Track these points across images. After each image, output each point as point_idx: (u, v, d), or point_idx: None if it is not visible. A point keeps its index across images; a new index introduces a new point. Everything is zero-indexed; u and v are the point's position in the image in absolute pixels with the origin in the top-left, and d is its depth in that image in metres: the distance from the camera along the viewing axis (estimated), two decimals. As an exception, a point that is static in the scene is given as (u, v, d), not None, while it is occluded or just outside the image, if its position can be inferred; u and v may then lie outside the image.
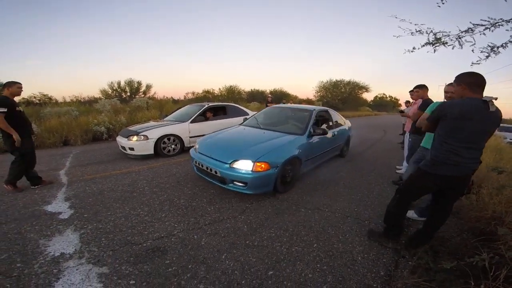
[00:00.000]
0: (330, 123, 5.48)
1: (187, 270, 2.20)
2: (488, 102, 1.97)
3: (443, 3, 3.50)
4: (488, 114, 2.00)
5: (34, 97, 14.61)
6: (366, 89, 41.54)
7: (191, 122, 6.34)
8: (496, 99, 2.00)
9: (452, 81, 2.67)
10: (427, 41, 3.68)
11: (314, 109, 5.02)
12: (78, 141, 7.26)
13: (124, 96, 20.40)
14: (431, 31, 3.64)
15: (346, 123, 6.46)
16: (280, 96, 27.72)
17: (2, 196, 3.54)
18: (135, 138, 5.52)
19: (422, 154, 3.44)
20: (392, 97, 58.74)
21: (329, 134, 4.83)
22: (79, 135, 7.26)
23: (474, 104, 2.00)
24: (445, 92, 3.13)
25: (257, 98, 26.60)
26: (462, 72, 2.17)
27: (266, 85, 60.66)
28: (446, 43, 3.63)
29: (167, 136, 5.88)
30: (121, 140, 5.74)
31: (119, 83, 20.61)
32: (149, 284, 2.02)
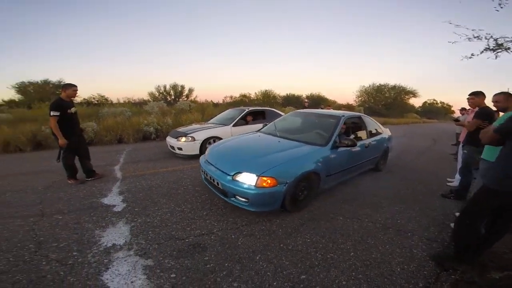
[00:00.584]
0: (364, 132, 4.71)
1: (224, 268, 2.20)
2: None
3: (501, 7, 3.13)
4: None
5: (93, 98, 15.96)
6: (413, 94, 37.27)
7: (233, 125, 6.52)
8: None
9: (500, 90, 2.65)
10: (487, 47, 3.29)
11: (343, 115, 4.23)
12: (131, 140, 7.81)
13: (169, 99, 21.51)
14: (491, 36, 3.25)
15: (385, 132, 5.54)
16: (317, 101, 26.72)
17: (67, 187, 3.92)
18: (183, 139, 5.78)
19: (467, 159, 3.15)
20: (444, 103, 51.92)
21: (357, 148, 4.07)
22: (131, 134, 7.79)
23: None
24: (495, 101, 2.70)
25: (293, 102, 25.91)
26: None
27: (303, 90, 58.39)
28: (509, 48, 3.20)
29: (212, 138, 6.03)
30: (170, 141, 6.04)
31: (165, 87, 21.86)
32: (188, 278, 2.05)
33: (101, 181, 4.24)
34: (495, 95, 2.71)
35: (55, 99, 3.87)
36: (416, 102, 45.18)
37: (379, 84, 37.33)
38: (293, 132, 4.31)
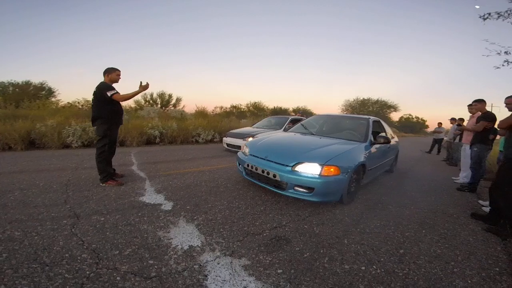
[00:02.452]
0: (384, 134, 4.44)
1: (322, 254, 1.88)
2: None
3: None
4: None
5: (78, 102, 14.08)
6: (394, 108, 35.98)
7: (283, 130, 6.50)
8: None
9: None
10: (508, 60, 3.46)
11: (369, 117, 4.11)
12: (134, 143, 6.89)
13: (156, 107, 20.12)
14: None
15: (395, 137, 5.33)
16: (302, 113, 26.20)
17: (90, 185, 3.17)
18: (250, 139, 5.52)
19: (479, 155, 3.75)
20: (418, 118, 47.74)
21: (386, 146, 3.96)
22: (135, 137, 6.89)
23: None
24: (508, 103, 2.83)
25: (281, 114, 25.11)
26: None
27: (289, 103, 56.01)
28: None
29: None
30: (231, 140, 6.39)
31: (151, 95, 20.14)
32: (296, 270, 1.66)
33: (128, 180, 3.51)
34: (508, 98, 2.83)
35: (102, 83, 3.16)
36: (395, 116, 42.67)
37: (363, 98, 36.15)
38: (329, 132, 4.07)
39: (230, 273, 1.58)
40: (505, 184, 2.42)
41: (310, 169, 2.62)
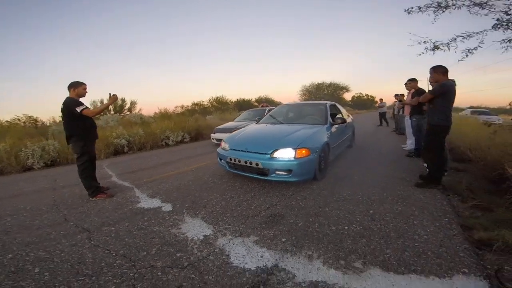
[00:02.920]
0: (340, 115, 5.03)
1: (312, 222, 2.37)
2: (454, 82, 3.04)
3: (435, 21, 4.19)
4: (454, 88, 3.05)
5: (19, 119, 12.29)
6: (346, 89, 39.59)
7: (256, 122, 6.88)
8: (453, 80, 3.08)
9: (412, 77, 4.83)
10: (427, 48, 4.27)
11: (326, 102, 4.77)
12: (102, 155, 6.60)
13: (108, 114, 18.70)
14: (430, 40, 4.40)
15: (350, 116, 6.21)
16: (266, 101, 26.46)
17: (82, 203, 3.15)
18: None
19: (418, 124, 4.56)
20: (368, 95, 53.55)
21: (343, 125, 4.66)
22: (102, 149, 6.60)
23: (453, 84, 3.02)
24: (429, 80, 3.54)
25: (245, 107, 24.26)
26: (435, 65, 3.13)
27: (251, 94, 54.44)
28: (438, 47, 4.24)
29: None
30: (219, 136, 6.69)
31: (101, 101, 18.61)
32: (296, 237, 2.12)
33: (114, 191, 3.56)
34: (430, 75, 3.48)
35: (68, 99, 3.05)
36: (347, 96, 47.31)
37: (318, 83, 38.80)
38: (294, 119, 4.62)
39: (246, 249, 1.96)
40: (430, 147, 3.16)
41: (286, 154, 3.10)
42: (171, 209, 2.82)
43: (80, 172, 3.18)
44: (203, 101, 25.22)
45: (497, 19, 4.09)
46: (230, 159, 3.47)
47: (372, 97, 53.18)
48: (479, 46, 4.07)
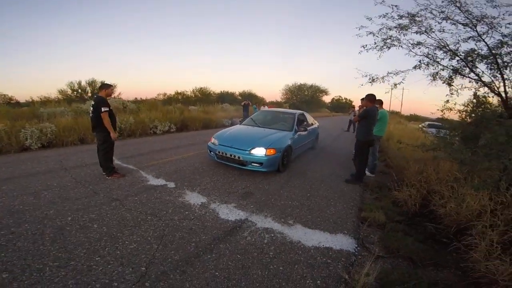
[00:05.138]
0: (306, 123, 6.50)
1: (271, 198, 3.74)
2: (377, 107, 4.39)
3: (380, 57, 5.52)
4: (377, 112, 4.54)
5: None
6: (325, 92, 42.37)
7: (240, 123, 7.97)
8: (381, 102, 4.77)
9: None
10: (368, 80, 5.55)
11: (296, 113, 6.19)
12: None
13: (86, 97, 18.48)
14: (369, 74, 5.58)
15: (316, 123, 7.63)
16: (249, 98, 26.43)
17: (100, 180, 4.08)
18: None
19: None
20: (347, 99, 57.93)
21: (306, 132, 6.10)
22: (95, 134, 7.35)
23: (375, 109, 4.43)
24: (361, 104, 5.12)
25: (227, 99, 25.31)
26: (369, 93, 4.44)
27: (235, 87, 55.96)
28: (374, 81, 5.51)
29: None
30: None
31: (79, 83, 18.18)
32: (260, 205, 3.45)
33: (123, 172, 4.51)
34: (361, 99, 5.00)
35: (99, 97, 3.94)
36: (327, 98, 50.99)
37: (300, 84, 40.68)
38: (269, 124, 5.96)
39: (229, 210, 3.24)
40: (357, 155, 4.66)
41: (259, 152, 4.45)
42: (174, 186, 3.98)
43: (102, 155, 4.15)
44: (186, 91, 25.61)
45: (419, 61, 5.62)
46: (219, 152, 4.72)
47: (351, 101, 57.21)
48: (402, 82, 5.59)
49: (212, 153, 4.95)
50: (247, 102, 13.34)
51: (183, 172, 4.68)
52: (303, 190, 4.09)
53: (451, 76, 5.10)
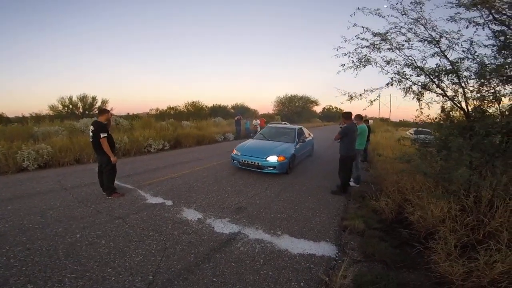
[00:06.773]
0: (303, 135, 8.00)
1: (264, 209, 4.12)
2: (355, 123, 5.08)
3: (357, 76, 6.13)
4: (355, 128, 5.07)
5: None
6: (316, 103, 44.30)
7: (252, 138, 9.09)
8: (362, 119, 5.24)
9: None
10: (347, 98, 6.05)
11: (295, 128, 7.92)
12: (90, 159, 7.62)
13: (77, 112, 18.68)
14: (347, 92, 6.07)
15: (311, 135, 9.40)
16: (242, 111, 25.75)
17: (101, 200, 4.39)
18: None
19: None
20: (337, 108, 58.03)
21: (305, 143, 7.74)
22: (90, 154, 7.60)
23: (353, 125, 5.00)
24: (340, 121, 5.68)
25: (220, 113, 25.73)
26: (345, 111, 5.06)
27: (227, 100, 57.22)
28: (352, 98, 6.04)
29: None
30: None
31: (70, 98, 18.34)
32: (252, 219, 3.83)
33: (122, 191, 4.82)
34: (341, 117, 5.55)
35: (98, 123, 4.27)
36: (318, 108, 52.78)
37: (291, 95, 42.14)
38: (276, 137, 7.52)
39: (223, 224, 3.61)
40: (341, 169, 5.14)
41: (273, 158, 6.06)
42: (172, 203, 4.32)
43: (107, 176, 4.47)
44: (178, 106, 26.05)
45: (391, 78, 6.14)
46: (241, 160, 6.34)
47: (341, 110, 58.83)
48: (377, 99, 6.18)
49: (235, 161, 6.57)
50: (239, 117, 15.30)
51: (179, 190, 5.03)
52: (291, 203, 4.50)
53: (420, 91, 5.67)
